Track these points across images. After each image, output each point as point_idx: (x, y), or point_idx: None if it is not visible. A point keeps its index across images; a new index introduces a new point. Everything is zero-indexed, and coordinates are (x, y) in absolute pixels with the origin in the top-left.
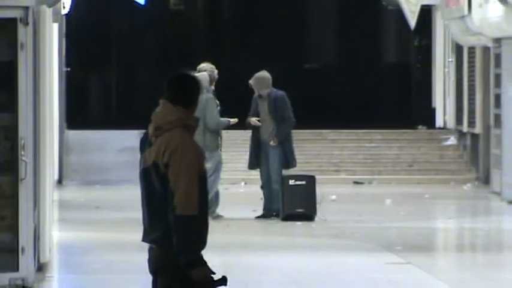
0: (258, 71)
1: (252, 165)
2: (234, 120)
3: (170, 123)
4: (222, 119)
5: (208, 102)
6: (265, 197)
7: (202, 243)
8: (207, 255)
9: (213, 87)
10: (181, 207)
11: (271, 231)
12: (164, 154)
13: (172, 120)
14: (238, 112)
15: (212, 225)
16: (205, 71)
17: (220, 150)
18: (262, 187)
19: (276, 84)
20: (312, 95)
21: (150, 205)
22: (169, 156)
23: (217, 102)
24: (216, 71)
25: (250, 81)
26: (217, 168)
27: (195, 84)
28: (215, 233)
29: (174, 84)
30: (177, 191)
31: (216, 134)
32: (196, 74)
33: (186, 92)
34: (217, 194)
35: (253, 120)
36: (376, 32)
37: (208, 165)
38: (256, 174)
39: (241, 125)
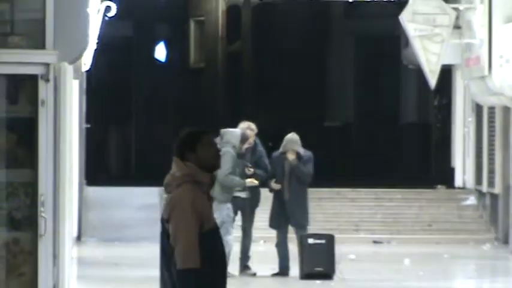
0: (278, 129)
1: (275, 225)
2: (250, 181)
3: (177, 179)
4: (237, 179)
5: (224, 156)
6: (280, 255)
7: None
8: None
9: (245, 146)
10: (180, 261)
11: None
12: (167, 210)
13: (179, 176)
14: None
15: (230, 282)
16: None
17: (255, 206)
18: (277, 245)
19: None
20: (332, 153)
21: (163, 261)
22: (170, 212)
23: (263, 160)
24: (250, 131)
25: (291, 147)
26: (226, 222)
27: (188, 136)
28: None
29: (178, 141)
30: (177, 246)
31: (227, 188)
32: (229, 129)
33: (182, 146)
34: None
35: (274, 185)
36: (396, 91)
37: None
38: (274, 232)
39: (262, 185)
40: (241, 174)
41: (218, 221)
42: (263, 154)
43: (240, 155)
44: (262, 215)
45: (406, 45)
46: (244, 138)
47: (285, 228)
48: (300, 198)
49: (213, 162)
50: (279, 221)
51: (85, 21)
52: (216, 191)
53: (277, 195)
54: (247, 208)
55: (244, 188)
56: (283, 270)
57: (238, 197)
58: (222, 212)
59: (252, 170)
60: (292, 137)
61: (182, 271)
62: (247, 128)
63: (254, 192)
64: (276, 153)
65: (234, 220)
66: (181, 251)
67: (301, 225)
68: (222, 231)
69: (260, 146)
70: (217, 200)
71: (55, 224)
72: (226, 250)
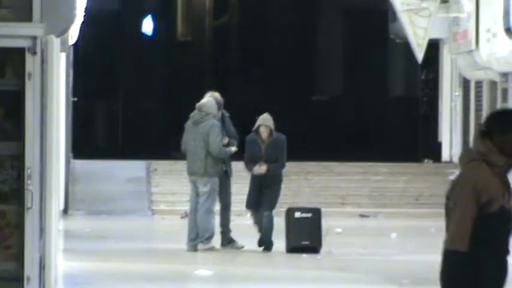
0: (265, 102)
1: (252, 206)
2: (234, 149)
3: (468, 156)
4: (227, 149)
5: (212, 128)
6: (261, 230)
7: (463, 283)
8: (213, 286)
9: (220, 113)
10: (449, 240)
11: (276, 263)
12: (450, 186)
13: (471, 153)
14: (243, 143)
15: (216, 256)
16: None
17: (230, 176)
18: (255, 223)
19: (283, 116)
20: (319, 127)
21: None
22: (451, 188)
23: (232, 129)
24: (221, 99)
25: (264, 123)
26: (212, 195)
27: (504, 116)
28: (221, 264)
29: (490, 117)
30: (450, 224)
31: (218, 160)
32: (203, 100)
33: (492, 123)
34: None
35: (259, 169)
36: (383, 65)
37: (204, 190)
38: None
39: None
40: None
41: (206, 194)
42: (230, 123)
43: None
44: (246, 188)
45: (394, 19)
46: (219, 105)
47: (261, 208)
48: (274, 179)
49: None
50: (256, 203)
51: None
52: (208, 165)
53: (256, 179)
54: (226, 180)
55: (225, 160)
56: (266, 245)
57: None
58: (212, 184)
59: (227, 139)
60: (266, 115)
61: (448, 251)
62: (214, 97)
63: (229, 162)
64: (250, 136)
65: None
66: (452, 231)
67: (271, 205)
68: (205, 206)
69: (227, 116)
70: (209, 174)
71: (42, 197)
72: (206, 230)
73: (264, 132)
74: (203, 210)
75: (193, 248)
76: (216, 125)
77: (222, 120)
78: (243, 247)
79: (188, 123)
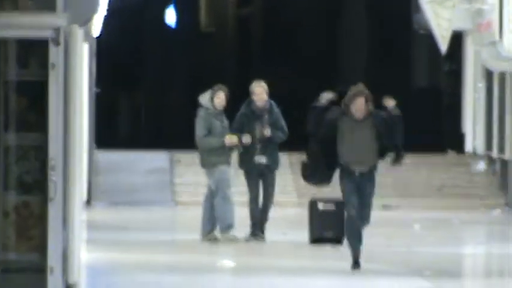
0: (289, 94)
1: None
2: (230, 140)
3: None
4: (215, 139)
5: (196, 120)
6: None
7: None
8: (236, 277)
9: (268, 103)
10: None
11: (300, 254)
12: None
13: None
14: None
15: (239, 247)
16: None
17: (271, 171)
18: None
19: (308, 106)
20: None
21: None
22: None
23: (280, 123)
24: (258, 88)
25: (360, 91)
26: (220, 186)
27: None
28: (243, 255)
29: None
30: None
31: (212, 151)
32: (202, 95)
33: None
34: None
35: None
36: (406, 56)
37: (209, 181)
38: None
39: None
40: (221, 133)
41: (212, 186)
42: (280, 116)
43: (257, 117)
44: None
45: (417, 10)
46: (213, 94)
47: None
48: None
49: None
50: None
51: None
52: (203, 157)
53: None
54: (268, 173)
55: (264, 153)
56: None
57: (260, 164)
58: (214, 176)
59: (269, 131)
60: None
61: None
62: (255, 85)
63: (273, 155)
64: (333, 111)
65: (257, 186)
66: None
67: None
68: (219, 196)
69: (276, 107)
70: (206, 165)
71: (65, 188)
72: (223, 220)
73: (364, 110)
74: (216, 201)
75: (210, 239)
76: (198, 117)
77: (270, 111)
78: (263, 239)
79: None
